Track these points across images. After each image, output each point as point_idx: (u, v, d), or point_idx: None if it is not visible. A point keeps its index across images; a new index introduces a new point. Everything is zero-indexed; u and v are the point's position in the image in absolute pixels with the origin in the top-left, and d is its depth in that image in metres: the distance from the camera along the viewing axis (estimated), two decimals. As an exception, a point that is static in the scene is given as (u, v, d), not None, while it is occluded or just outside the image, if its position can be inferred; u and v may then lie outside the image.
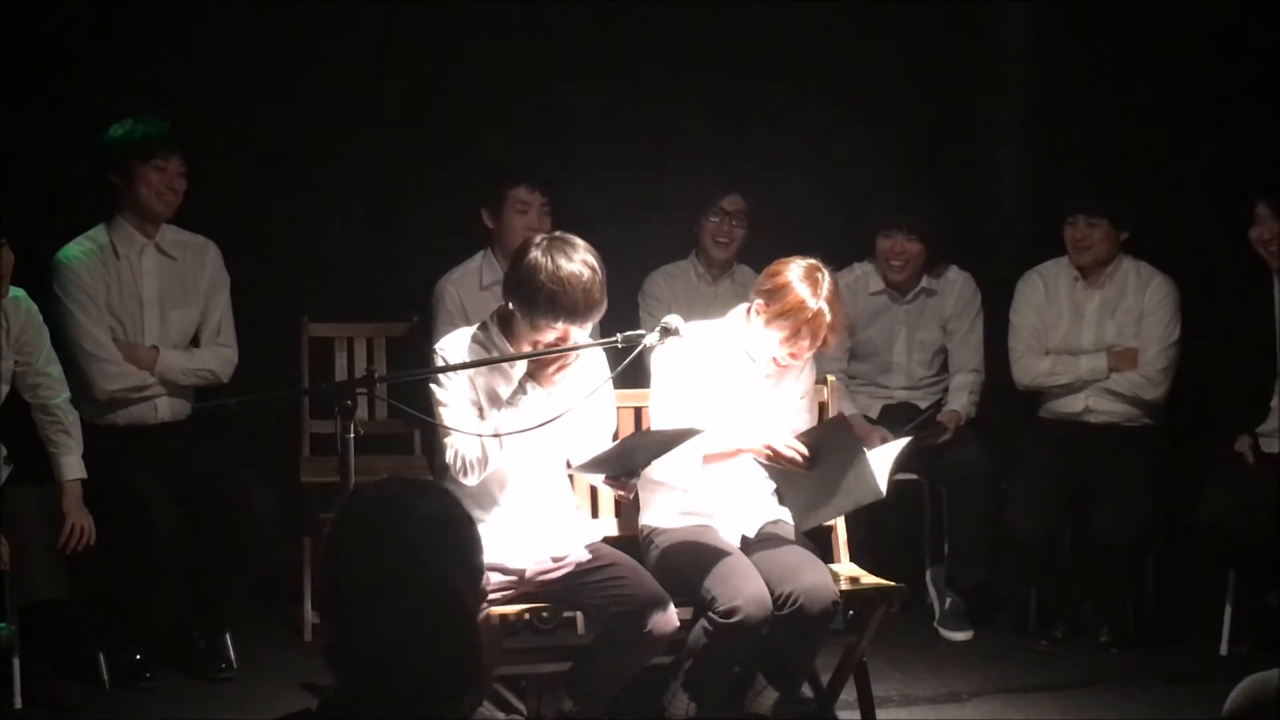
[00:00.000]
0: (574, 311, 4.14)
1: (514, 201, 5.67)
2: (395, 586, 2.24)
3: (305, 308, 6.09)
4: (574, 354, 4.21)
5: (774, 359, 4.48)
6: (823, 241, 6.06)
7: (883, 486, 4.42)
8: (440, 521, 2.30)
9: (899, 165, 6.46)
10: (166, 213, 5.26)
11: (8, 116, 5.75)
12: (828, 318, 4.37)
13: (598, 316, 4.24)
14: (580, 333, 4.23)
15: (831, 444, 4.40)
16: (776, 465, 4.41)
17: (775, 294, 4.40)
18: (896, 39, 6.65)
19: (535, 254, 4.16)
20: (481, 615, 4.25)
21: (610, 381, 4.31)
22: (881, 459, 4.48)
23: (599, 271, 4.18)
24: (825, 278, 4.41)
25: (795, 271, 4.41)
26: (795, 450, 4.38)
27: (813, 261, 4.45)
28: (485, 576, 2.36)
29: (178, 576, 5.09)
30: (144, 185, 5.18)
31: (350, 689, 2.24)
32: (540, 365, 4.19)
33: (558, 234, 4.29)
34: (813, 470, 4.39)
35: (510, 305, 4.26)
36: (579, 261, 4.15)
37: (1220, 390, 5.73)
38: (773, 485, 4.64)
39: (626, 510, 4.70)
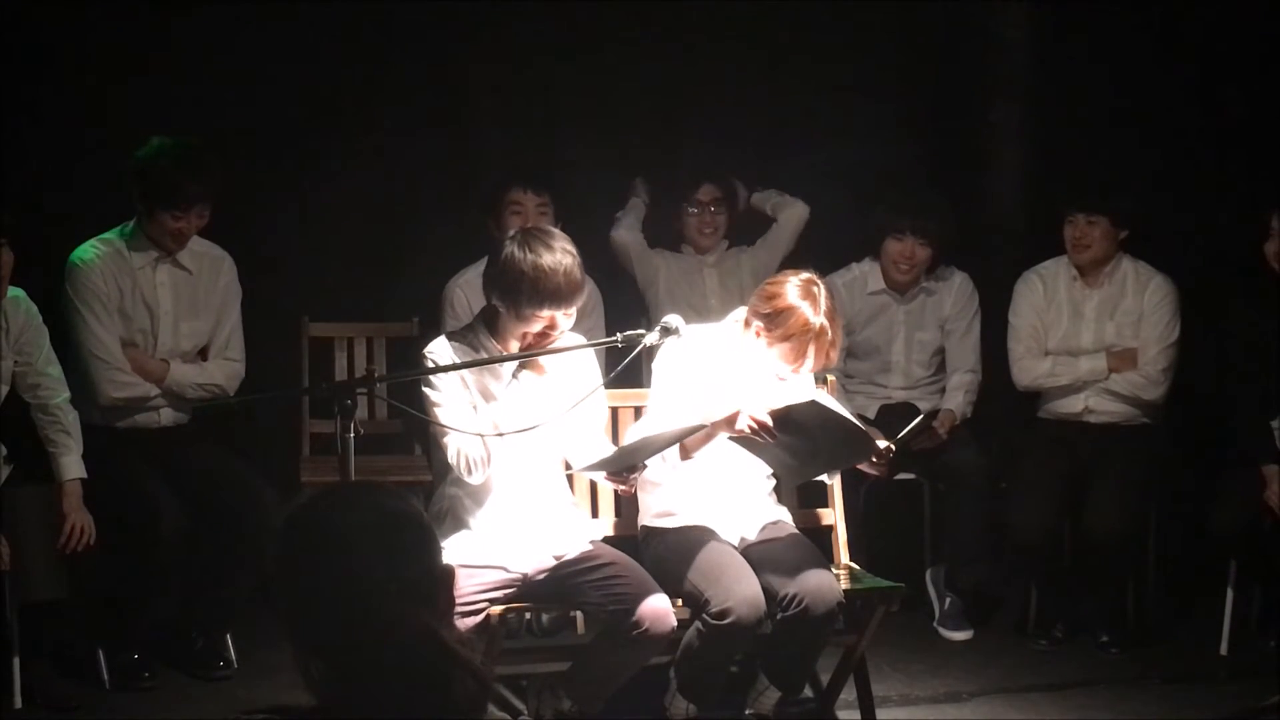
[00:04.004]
0: (558, 296, 4.18)
1: (509, 203, 5.68)
2: (335, 605, 2.15)
3: (305, 308, 6.10)
4: (558, 336, 4.25)
5: (779, 376, 4.48)
6: (823, 241, 6.13)
7: (883, 442, 4.40)
8: (376, 531, 2.19)
9: (899, 165, 6.45)
10: (176, 250, 5.19)
11: (11, 116, 5.76)
12: (830, 331, 4.37)
13: (581, 300, 4.28)
14: (566, 320, 4.26)
15: (804, 418, 4.31)
16: (754, 439, 4.33)
17: (777, 317, 4.37)
18: (897, 39, 6.64)
19: (511, 247, 4.22)
20: (481, 615, 4.28)
21: (601, 376, 4.34)
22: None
23: (577, 256, 4.23)
24: (822, 291, 4.40)
25: (793, 291, 4.37)
26: (760, 422, 4.27)
27: (807, 276, 4.43)
28: (453, 578, 2.30)
29: (180, 576, 5.09)
30: (157, 225, 5.12)
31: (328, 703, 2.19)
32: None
33: (531, 227, 4.39)
34: (782, 439, 4.33)
35: (493, 302, 4.29)
36: (557, 249, 4.20)
37: (1229, 390, 5.68)
38: (772, 484, 4.65)
39: (626, 510, 4.70)
